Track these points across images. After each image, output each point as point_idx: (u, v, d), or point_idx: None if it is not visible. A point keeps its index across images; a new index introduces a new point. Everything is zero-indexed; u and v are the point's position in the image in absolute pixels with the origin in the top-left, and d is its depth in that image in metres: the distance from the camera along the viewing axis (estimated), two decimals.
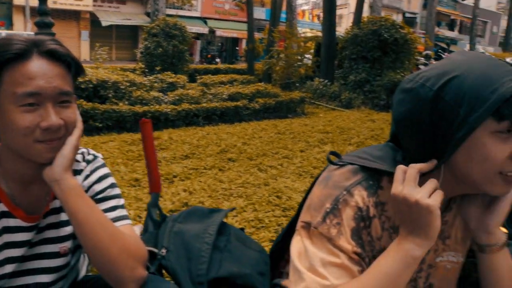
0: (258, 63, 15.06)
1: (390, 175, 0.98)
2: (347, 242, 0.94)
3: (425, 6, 35.52)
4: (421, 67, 11.00)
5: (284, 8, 23.69)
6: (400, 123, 0.95)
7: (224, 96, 8.31)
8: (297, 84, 11.76)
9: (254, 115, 8.02)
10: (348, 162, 1.02)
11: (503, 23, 47.57)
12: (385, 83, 9.43)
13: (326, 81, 10.31)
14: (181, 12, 30.06)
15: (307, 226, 0.98)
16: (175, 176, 4.33)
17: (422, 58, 14.40)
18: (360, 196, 0.96)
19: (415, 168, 0.91)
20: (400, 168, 0.93)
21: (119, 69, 9.49)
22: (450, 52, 27.79)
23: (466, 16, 44.39)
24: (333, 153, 1.10)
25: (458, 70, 0.86)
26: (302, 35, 14.73)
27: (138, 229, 1.96)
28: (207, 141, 5.91)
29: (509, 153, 0.85)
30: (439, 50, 26.25)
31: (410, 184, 0.90)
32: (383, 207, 0.99)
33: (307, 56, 12.99)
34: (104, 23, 26.10)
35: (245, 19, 18.09)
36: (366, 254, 0.99)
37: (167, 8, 19.24)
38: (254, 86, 9.10)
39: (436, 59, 13.43)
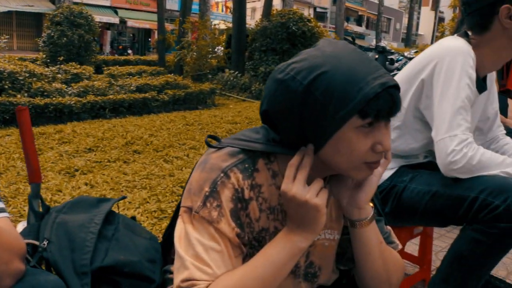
0: (170, 55, 14.82)
1: (265, 158, 1.02)
2: (227, 224, 0.96)
3: (334, 1, 36.86)
4: None
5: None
6: (274, 113, 0.98)
7: (132, 87, 8.10)
8: (210, 76, 11.73)
9: (163, 107, 7.92)
10: (226, 144, 1.04)
11: (405, 20, 50.75)
12: None
13: (237, 72, 10.38)
14: (89, 0, 28.77)
15: (189, 211, 0.98)
16: (76, 170, 4.18)
17: None
18: (235, 178, 0.98)
19: (305, 168, 0.95)
20: (291, 165, 0.96)
21: (17, 58, 8.90)
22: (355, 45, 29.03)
23: (372, 13, 46.71)
24: (211, 136, 1.11)
25: (328, 65, 0.90)
26: (217, 26, 14.69)
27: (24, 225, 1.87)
28: (112, 134, 5.76)
29: (371, 145, 0.93)
30: None
31: (300, 183, 0.94)
32: (260, 189, 1.02)
33: (219, 47, 12.97)
34: (1, 9, 24.26)
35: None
36: (246, 235, 1.01)
37: None
38: (163, 78, 8.96)
39: None
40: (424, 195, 1.65)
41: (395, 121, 1.77)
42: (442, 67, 1.63)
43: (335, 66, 0.90)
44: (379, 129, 0.93)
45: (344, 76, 0.88)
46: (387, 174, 1.78)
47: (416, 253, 2.33)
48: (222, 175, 0.98)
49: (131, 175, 4.06)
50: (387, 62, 9.92)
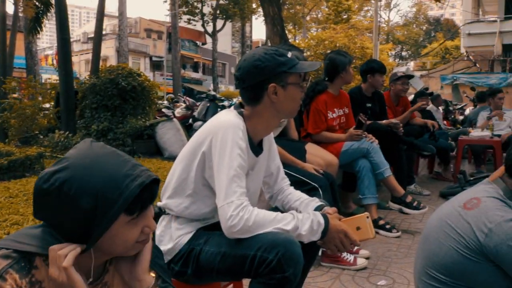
0: None
1: (44, 255, 1.07)
2: None
3: (170, 50, 37.63)
4: (164, 110, 11.50)
5: (23, 53, 21.81)
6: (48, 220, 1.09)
7: None
8: (41, 137, 10.99)
9: None
10: (1, 246, 1.07)
11: None
12: (128, 130, 9.60)
13: (68, 132, 9.90)
14: None
15: None
16: None
17: (166, 102, 15.02)
18: (13, 279, 1.01)
19: (71, 254, 1.04)
20: (53, 250, 1.04)
21: None
22: (192, 93, 29.96)
23: (207, 59, 48.60)
24: None
25: (91, 171, 1.03)
26: (49, 81, 13.84)
27: None
28: None
29: (140, 231, 1.11)
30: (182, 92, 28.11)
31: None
32: (40, 285, 1.07)
33: (47, 105, 12.25)
34: None
35: None
36: None
37: None
38: None
39: (176, 102, 14.26)
40: (216, 256, 1.82)
41: (186, 190, 1.94)
42: (216, 141, 1.85)
43: (96, 173, 1.03)
44: (144, 216, 1.11)
45: (105, 182, 1.02)
46: (186, 238, 1.92)
47: None
48: None
49: None
50: (218, 109, 10.42)
